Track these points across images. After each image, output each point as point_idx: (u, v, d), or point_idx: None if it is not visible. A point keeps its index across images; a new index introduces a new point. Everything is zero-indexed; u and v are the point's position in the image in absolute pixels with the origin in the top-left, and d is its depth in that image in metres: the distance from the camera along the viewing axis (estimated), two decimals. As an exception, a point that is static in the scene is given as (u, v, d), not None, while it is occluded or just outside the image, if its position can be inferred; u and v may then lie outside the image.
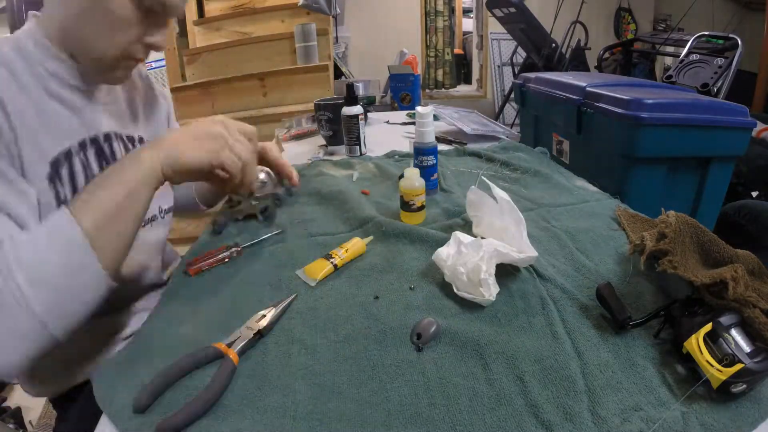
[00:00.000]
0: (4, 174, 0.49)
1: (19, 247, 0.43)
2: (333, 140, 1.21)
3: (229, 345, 0.45)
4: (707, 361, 0.38)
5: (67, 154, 0.57)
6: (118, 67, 0.59)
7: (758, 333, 0.40)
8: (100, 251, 0.46)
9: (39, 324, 0.42)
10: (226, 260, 0.65)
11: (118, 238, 0.49)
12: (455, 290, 0.53)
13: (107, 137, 0.63)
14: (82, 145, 0.59)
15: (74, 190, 0.57)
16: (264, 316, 0.49)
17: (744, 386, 0.37)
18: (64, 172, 0.56)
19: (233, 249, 0.66)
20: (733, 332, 0.40)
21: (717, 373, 0.37)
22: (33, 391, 0.67)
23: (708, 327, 0.41)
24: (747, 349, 0.39)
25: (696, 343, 0.40)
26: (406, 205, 0.71)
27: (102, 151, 0.62)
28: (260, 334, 0.48)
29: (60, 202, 0.55)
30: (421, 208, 0.72)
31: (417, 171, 0.71)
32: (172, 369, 0.42)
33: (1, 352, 0.41)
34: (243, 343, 0.46)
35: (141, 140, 0.70)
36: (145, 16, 0.56)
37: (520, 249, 0.56)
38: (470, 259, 0.53)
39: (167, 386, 0.41)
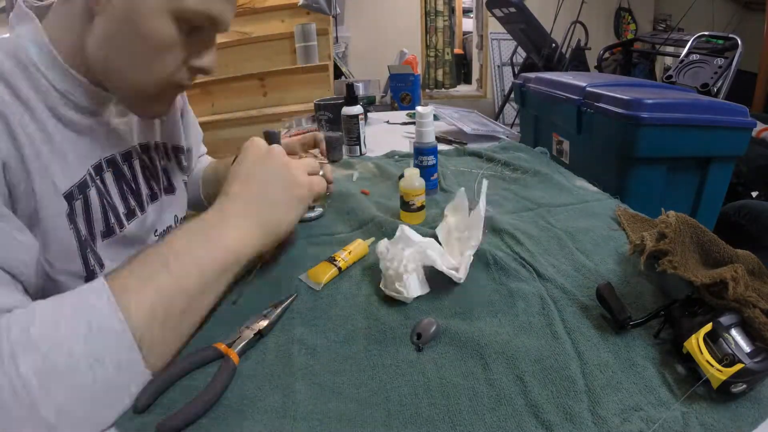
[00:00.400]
0: (8, 221, 0.40)
1: (34, 321, 0.33)
2: (333, 140, 1.21)
3: (230, 345, 0.45)
4: (707, 361, 0.38)
5: (81, 186, 0.49)
6: (163, 97, 0.51)
7: (758, 333, 0.40)
8: (149, 348, 0.37)
9: (45, 429, 0.31)
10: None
11: (177, 335, 0.40)
12: (380, 285, 0.53)
13: (126, 156, 0.57)
14: (98, 169, 0.52)
15: (88, 226, 0.49)
16: (264, 316, 0.50)
17: (744, 386, 0.37)
18: (78, 206, 0.48)
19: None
20: (733, 332, 0.40)
21: (717, 373, 0.37)
22: None
23: (708, 327, 0.41)
24: (747, 349, 0.39)
25: (696, 343, 0.40)
26: (406, 205, 0.71)
27: (122, 173, 0.56)
28: (260, 335, 0.48)
29: (81, 242, 0.47)
30: (421, 208, 0.72)
31: (417, 171, 0.71)
32: (172, 369, 0.42)
33: None
34: (243, 344, 0.46)
35: (156, 147, 0.65)
36: (188, 35, 0.47)
37: (453, 267, 0.54)
38: (399, 256, 0.52)
39: (167, 386, 0.41)
